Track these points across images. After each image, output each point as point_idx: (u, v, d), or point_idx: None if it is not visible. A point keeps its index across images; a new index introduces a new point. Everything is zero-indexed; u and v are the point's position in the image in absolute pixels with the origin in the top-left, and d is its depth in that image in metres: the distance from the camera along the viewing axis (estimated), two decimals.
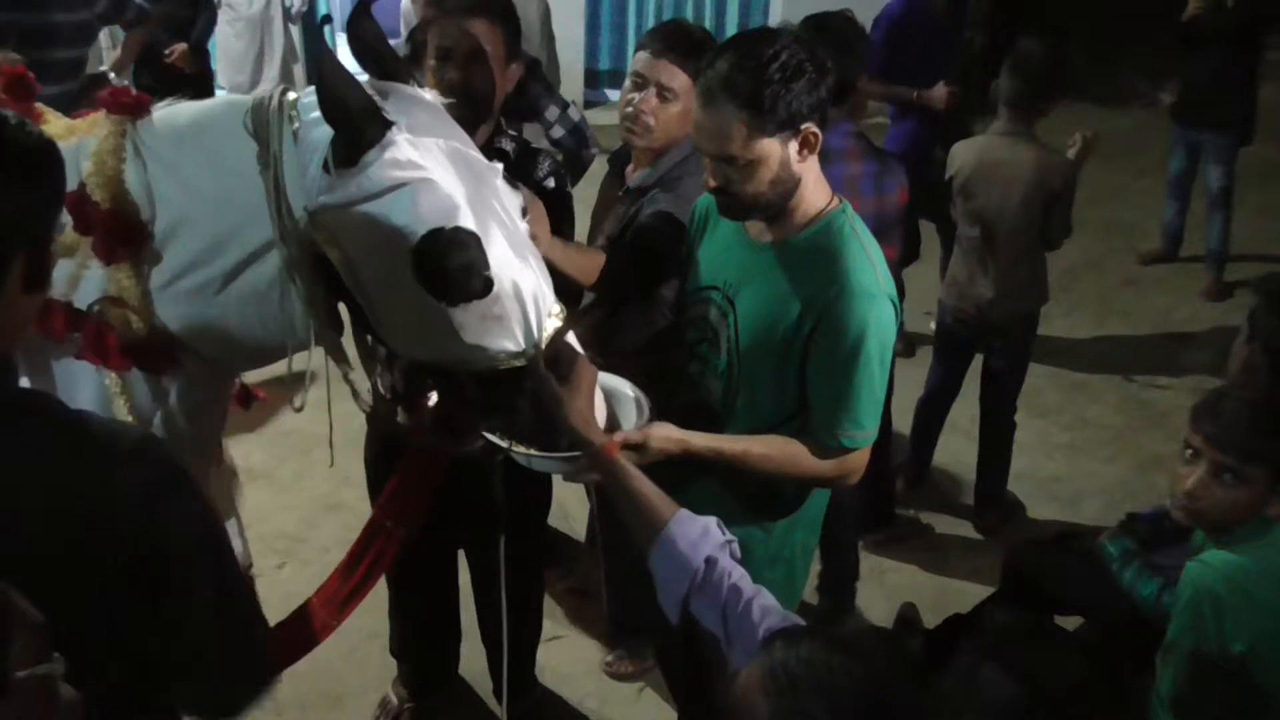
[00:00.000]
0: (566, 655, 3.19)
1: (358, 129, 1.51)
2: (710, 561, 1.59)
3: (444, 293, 1.55)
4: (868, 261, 1.89)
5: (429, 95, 1.69)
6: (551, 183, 2.37)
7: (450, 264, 1.53)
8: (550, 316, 1.66)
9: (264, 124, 1.59)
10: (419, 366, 1.72)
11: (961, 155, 3.61)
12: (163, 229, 1.65)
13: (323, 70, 1.49)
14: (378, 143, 1.52)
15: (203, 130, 1.67)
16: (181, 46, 5.16)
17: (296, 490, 3.91)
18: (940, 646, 2.65)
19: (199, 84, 5.28)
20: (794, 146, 1.82)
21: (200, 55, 5.39)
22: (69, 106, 2.01)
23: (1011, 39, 3.65)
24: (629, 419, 1.92)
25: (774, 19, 8.06)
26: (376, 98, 1.55)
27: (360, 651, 3.09)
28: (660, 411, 1.93)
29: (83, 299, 1.69)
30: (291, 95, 1.62)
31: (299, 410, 1.78)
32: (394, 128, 1.53)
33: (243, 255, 1.64)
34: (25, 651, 0.92)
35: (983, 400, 3.85)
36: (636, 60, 2.44)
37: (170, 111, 1.72)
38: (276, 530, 3.63)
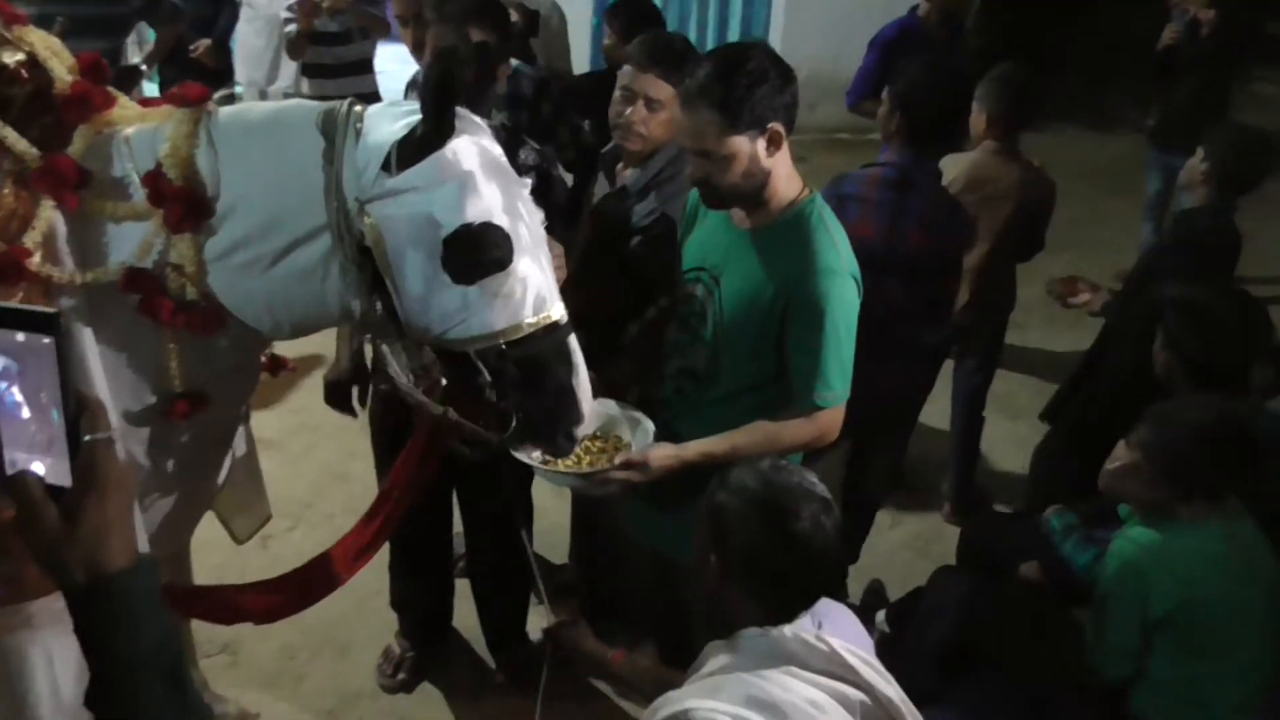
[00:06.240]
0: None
1: (439, 120, 1.76)
2: None
3: (465, 276, 1.78)
4: (832, 244, 2.16)
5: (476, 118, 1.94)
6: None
7: (479, 255, 1.78)
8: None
9: (333, 125, 1.82)
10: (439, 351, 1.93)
11: (950, 169, 3.78)
12: (223, 207, 1.85)
13: (442, 58, 1.75)
14: (444, 144, 1.77)
15: (276, 125, 1.90)
16: (205, 42, 5.33)
17: (306, 461, 4.15)
18: (903, 613, 2.91)
19: (220, 79, 5.48)
20: (762, 143, 2.09)
21: (222, 51, 5.56)
22: None
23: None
24: (635, 437, 2.23)
25: (776, 21, 8.40)
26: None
27: (367, 606, 3.32)
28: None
29: (149, 263, 1.89)
30: (358, 108, 1.86)
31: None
32: (455, 131, 1.79)
33: (293, 238, 1.84)
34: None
35: (954, 399, 4.09)
36: (622, 75, 2.67)
37: (244, 107, 2.03)
38: (288, 495, 3.83)
